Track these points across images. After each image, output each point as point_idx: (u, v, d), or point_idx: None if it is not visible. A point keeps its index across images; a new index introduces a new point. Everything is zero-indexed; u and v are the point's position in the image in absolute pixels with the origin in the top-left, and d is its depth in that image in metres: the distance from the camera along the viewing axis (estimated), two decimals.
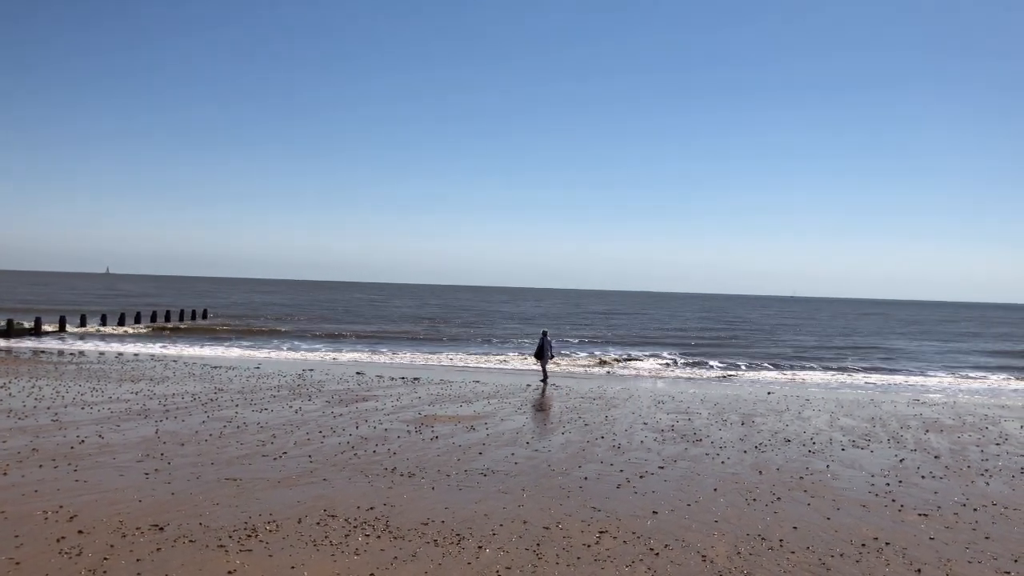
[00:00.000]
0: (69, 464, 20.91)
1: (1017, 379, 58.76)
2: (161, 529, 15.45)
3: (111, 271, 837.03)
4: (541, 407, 35.44)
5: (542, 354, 46.63)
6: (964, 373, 63.35)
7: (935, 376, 60.34)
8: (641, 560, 14.51)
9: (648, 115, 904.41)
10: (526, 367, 57.50)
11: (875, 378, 57.23)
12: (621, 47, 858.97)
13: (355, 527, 16.03)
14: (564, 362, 61.48)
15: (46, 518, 16.03)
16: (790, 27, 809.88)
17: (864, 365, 67.83)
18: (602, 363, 64.23)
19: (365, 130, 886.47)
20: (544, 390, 42.19)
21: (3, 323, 71.05)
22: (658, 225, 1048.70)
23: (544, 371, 46.70)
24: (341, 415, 30.55)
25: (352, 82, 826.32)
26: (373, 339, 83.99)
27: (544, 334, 47.84)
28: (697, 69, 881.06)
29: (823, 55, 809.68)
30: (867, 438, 28.98)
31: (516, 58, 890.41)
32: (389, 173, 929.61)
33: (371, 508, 17.53)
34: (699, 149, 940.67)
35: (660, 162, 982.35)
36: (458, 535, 15.70)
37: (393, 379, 44.66)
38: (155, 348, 64.61)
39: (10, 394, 33.25)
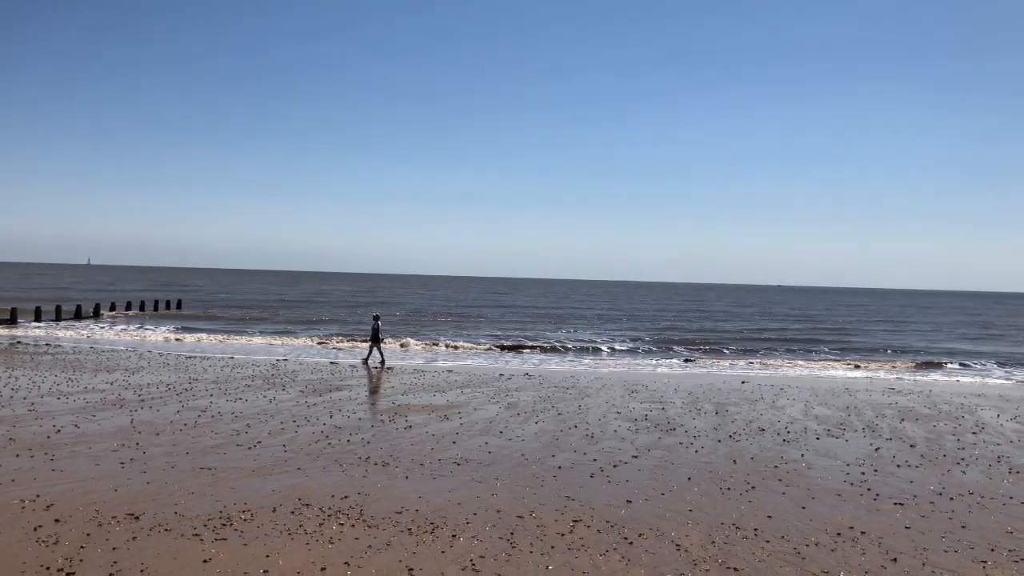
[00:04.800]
0: (45, 454, 20.86)
1: (990, 368, 58.95)
2: (137, 518, 15.43)
3: (92, 262, 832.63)
4: (377, 388, 36.26)
5: (376, 338, 49.08)
6: (940, 361, 63.55)
7: (912, 365, 60.44)
8: (615, 549, 14.55)
9: (637, 111, 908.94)
10: (495, 361, 57.52)
11: (851, 367, 57.34)
12: (617, 49, 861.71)
13: (329, 516, 16.03)
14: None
15: (23, 507, 16.00)
16: (786, 28, 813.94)
17: (839, 353, 67.99)
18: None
19: (352, 124, 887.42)
20: (382, 368, 45.53)
21: None
22: (646, 217, 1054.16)
23: (381, 353, 48.97)
24: (315, 405, 30.53)
25: (334, 78, 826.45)
26: (353, 331, 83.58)
27: (376, 318, 50.62)
28: (692, 67, 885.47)
29: (815, 56, 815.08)
30: (842, 427, 29.06)
31: (504, 60, 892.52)
32: (376, 169, 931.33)
33: (345, 497, 17.54)
34: (691, 145, 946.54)
35: (650, 156, 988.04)
36: (432, 524, 15.71)
37: (367, 368, 44.58)
38: (129, 338, 64.44)
39: None
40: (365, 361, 48.35)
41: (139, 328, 73.24)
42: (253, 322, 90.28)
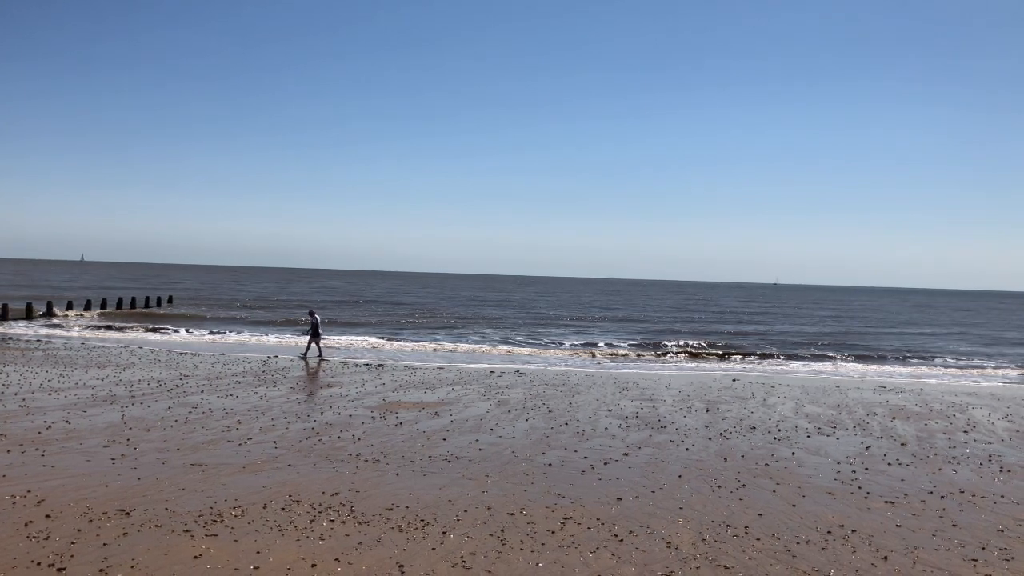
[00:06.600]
0: (36, 449, 20.87)
1: (983, 367, 58.96)
2: (127, 514, 15.43)
3: (86, 259, 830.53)
4: (305, 377, 37.65)
5: (316, 333, 50.49)
6: (933, 361, 63.55)
7: (903, 364, 60.42)
8: (605, 546, 14.57)
9: (630, 109, 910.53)
10: (487, 359, 57.52)
11: (844, 366, 57.28)
12: (616, 48, 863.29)
13: (320, 512, 16.05)
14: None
15: (14, 502, 16.01)
16: (784, 26, 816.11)
17: (832, 353, 67.91)
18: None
19: (342, 120, 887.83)
20: (319, 362, 46.43)
21: None
22: (643, 216, 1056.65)
23: (319, 348, 50.68)
24: (306, 401, 30.57)
25: (327, 74, 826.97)
26: (342, 326, 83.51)
27: (311, 313, 52.44)
28: (690, 62, 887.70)
29: (812, 53, 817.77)
30: (833, 425, 29.08)
31: (503, 57, 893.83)
32: (368, 164, 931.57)
33: (336, 494, 17.56)
34: (687, 142, 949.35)
35: (648, 155, 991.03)
36: (422, 521, 15.73)
37: (357, 365, 44.64)
38: (121, 334, 64.32)
39: None
40: (303, 356, 48.88)
41: (105, 330, 72.90)
42: (246, 320, 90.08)
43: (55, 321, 74.09)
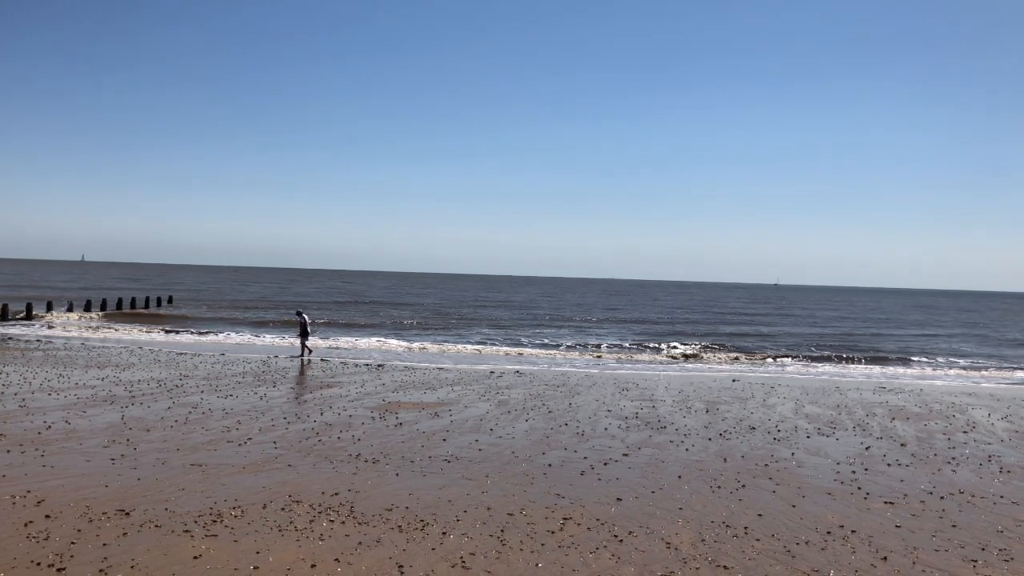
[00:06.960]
0: (36, 449, 20.86)
1: (982, 368, 58.88)
2: (127, 514, 15.42)
3: (86, 259, 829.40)
4: (305, 378, 37.15)
5: (305, 332, 50.74)
6: (934, 361, 63.47)
7: (902, 364, 60.36)
8: (605, 547, 14.55)
9: (630, 108, 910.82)
10: (486, 360, 57.49)
11: (841, 366, 57.24)
12: (617, 46, 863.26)
13: (320, 513, 16.04)
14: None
15: (14, 503, 16.00)
16: (784, 25, 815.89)
17: (832, 354, 67.81)
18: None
19: (342, 120, 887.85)
20: (309, 362, 46.64)
21: None
22: (638, 214, 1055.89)
23: (307, 347, 50.70)
24: (306, 401, 30.57)
25: (327, 74, 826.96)
26: (343, 327, 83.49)
27: (299, 313, 53.14)
28: (690, 62, 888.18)
29: (812, 53, 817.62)
30: (832, 426, 29.06)
31: (502, 56, 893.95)
32: (368, 164, 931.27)
33: (336, 494, 17.55)
34: (687, 142, 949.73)
35: (648, 154, 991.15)
36: (422, 521, 15.72)
37: (357, 366, 44.63)
38: (121, 334, 64.27)
39: None
40: (300, 357, 48.80)
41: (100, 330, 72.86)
42: (246, 320, 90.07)
43: (55, 321, 74.19)
